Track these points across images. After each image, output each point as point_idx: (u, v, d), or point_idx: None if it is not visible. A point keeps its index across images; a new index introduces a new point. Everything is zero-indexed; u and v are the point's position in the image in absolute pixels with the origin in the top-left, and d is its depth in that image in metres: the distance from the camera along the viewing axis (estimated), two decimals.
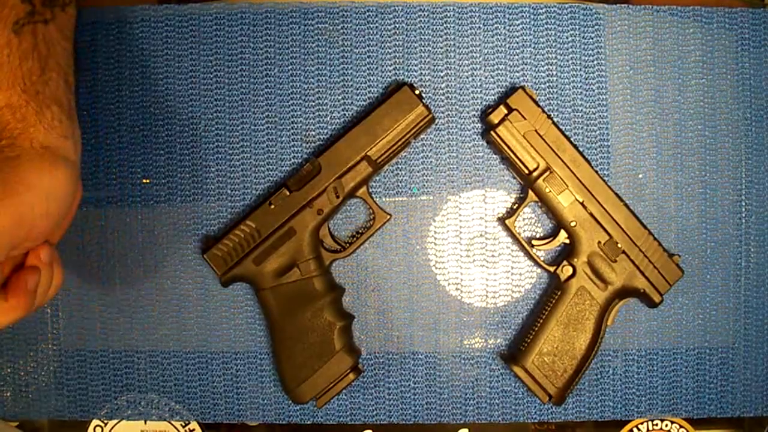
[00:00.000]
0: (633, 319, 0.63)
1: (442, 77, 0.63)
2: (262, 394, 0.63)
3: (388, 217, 0.61)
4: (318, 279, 0.59)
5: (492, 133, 0.59)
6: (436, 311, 0.63)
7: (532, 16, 0.63)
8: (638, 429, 0.64)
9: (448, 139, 0.63)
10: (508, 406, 0.63)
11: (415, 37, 0.63)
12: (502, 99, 0.60)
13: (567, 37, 0.63)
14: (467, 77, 0.63)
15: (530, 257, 0.62)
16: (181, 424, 0.64)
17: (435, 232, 0.63)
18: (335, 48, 0.63)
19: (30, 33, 0.48)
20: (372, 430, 0.64)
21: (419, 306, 0.63)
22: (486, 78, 0.63)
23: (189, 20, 0.63)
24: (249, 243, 0.58)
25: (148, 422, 0.64)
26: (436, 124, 0.63)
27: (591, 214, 0.59)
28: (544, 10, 0.63)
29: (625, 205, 0.60)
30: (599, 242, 0.59)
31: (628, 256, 0.59)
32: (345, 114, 0.63)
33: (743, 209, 0.64)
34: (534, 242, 0.62)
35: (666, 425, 0.64)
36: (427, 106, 0.59)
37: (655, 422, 0.64)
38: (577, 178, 0.59)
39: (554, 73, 0.63)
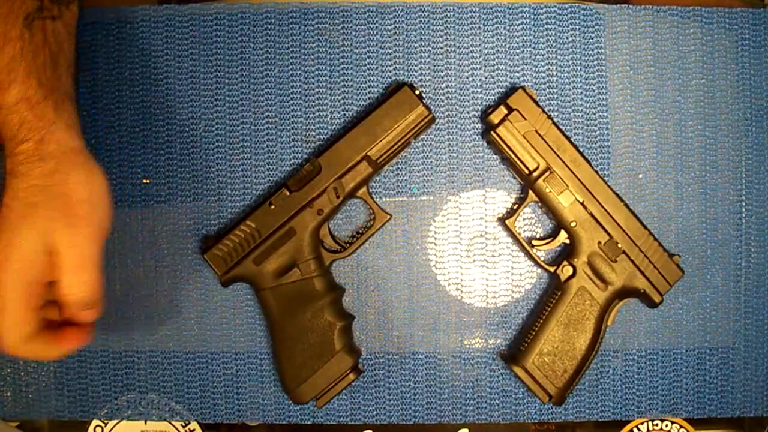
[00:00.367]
0: (633, 319, 0.63)
1: (442, 77, 0.63)
2: (263, 394, 0.63)
3: (389, 217, 0.61)
4: (318, 279, 0.59)
5: (492, 133, 0.59)
6: (437, 311, 0.63)
7: (532, 16, 0.63)
8: (638, 429, 0.64)
9: (448, 139, 0.63)
10: (508, 406, 0.63)
11: (415, 37, 0.63)
12: (502, 99, 0.60)
13: (567, 37, 0.63)
14: (467, 77, 0.63)
15: (530, 257, 0.62)
16: (181, 425, 0.64)
17: (435, 232, 0.63)
18: (335, 48, 0.63)
19: (40, 29, 0.49)
20: (372, 430, 0.64)
21: (419, 306, 0.63)
22: (486, 78, 0.63)
23: (189, 20, 0.63)
24: (249, 243, 0.58)
25: (148, 422, 0.64)
26: (436, 124, 0.63)
27: (591, 214, 0.59)
28: (544, 10, 0.63)
29: (626, 205, 0.60)
30: (599, 242, 0.59)
31: (628, 257, 0.59)
32: (345, 114, 0.63)
33: (743, 209, 0.64)
34: (534, 242, 0.62)
35: (666, 425, 0.64)
36: (427, 106, 0.58)
37: (655, 422, 0.64)
38: (578, 178, 0.59)
39: (554, 73, 0.63)
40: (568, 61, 0.63)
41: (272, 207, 0.59)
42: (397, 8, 0.63)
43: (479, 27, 0.63)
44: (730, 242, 0.64)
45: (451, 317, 0.63)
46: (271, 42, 0.63)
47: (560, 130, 0.59)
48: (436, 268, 0.63)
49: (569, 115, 0.63)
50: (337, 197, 0.59)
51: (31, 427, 0.65)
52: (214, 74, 0.63)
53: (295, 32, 0.63)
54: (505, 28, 0.63)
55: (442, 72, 0.63)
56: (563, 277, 0.60)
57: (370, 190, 0.61)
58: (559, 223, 0.60)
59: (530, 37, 0.63)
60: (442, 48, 0.63)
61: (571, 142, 0.59)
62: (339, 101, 0.63)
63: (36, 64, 0.48)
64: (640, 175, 0.63)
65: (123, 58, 0.63)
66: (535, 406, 0.64)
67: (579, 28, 0.63)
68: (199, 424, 0.64)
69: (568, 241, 0.61)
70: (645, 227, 0.60)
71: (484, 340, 0.64)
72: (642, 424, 0.64)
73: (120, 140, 0.63)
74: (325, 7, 0.63)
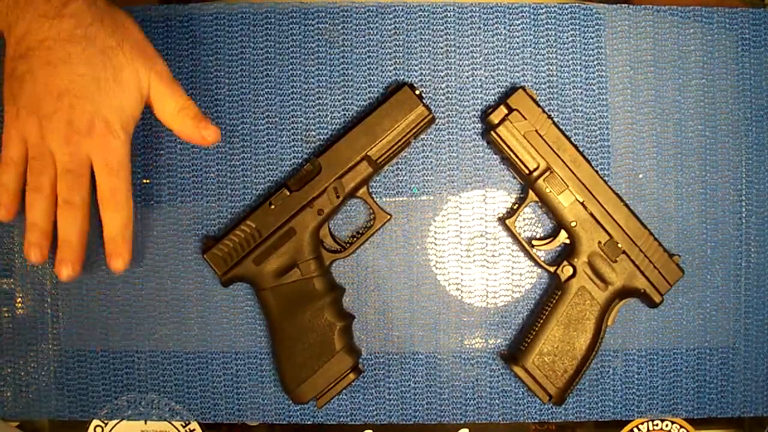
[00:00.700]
0: (633, 319, 0.63)
1: (442, 77, 0.63)
2: (263, 394, 0.63)
3: (389, 217, 0.61)
4: (318, 279, 0.59)
5: (492, 133, 0.59)
6: (437, 311, 0.63)
7: (532, 16, 0.63)
8: (638, 429, 0.64)
9: (449, 139, 0.63)
10: (509, 406, 0.64)
11: (415, 37, 0.63)
12: (503, 99, 0.60)
13: (567, 37, 0.63)
14: (467, 77, 0.63)
15: (530, 257, 0.62)
16: (182, 424, 0.64)
17: (435, 232, 0.63)
18: (335, 48, 0.63)
19: None
20: (372, 430, 0.64)
21: (419, 306, 0.63)
22: (486, 78, 0.63)
23: (189, 20, 0.63)
24: (249, 243, 0.58)
25: (148, 422, 0.64)
26: (437, 124, 0.63)
27: (591, 214, 0.59)
28: (544, 10, 0.63)
29: (626, 205, 0.60)
30: (599, 242, 0.59)
31: (628, 256, 0.59)
32: (345, 114, 0.63)
33: (743, 209, 0.64)
34: (534, 242, 0.62)
35: (666, 425, 0.64)
36: (427, 106, 0.59)
37: (655, 422, 0.64)
38: (578, 178, 0.59)
39: (554, 73, 0.63)
40: (568, 61, 0.63)
41: (272, 207, 0.59)
42: (397, 8, 0.63)
43: (479, 27, 0.63)
44: (730, 242, 0.64)
45: (451, 317, 0.63)
46: (271, 42, 0.63)
47: (560, 130, 0.59)
48: (436, 268, 0.64)
49: (569, 115, 0.63)
50: (338, 197, 0.59)
51: (31, 427, 0.65)
52: (214, 74, 0.63)
53: (295, 32, 0.63)
54: (505, 28, 0.63)
55: (442, 72, 0.63)
56: (563, 277, 0.60)
57: (370, 190, 0.61)
58: (559, 223, 0.60)
59: (530, 37, 0.63)
60: (442, 48, 0.63)
61: (571, 142, 0.59)
62: (339, 101, 0.63)
63: None
64: (640, 175, 0.63)
65: None
66: (535, 406, 0.64)
67: (579, 28, 0.63)
68: (199, 424, 0.64)
69: (568, 241, 0.61)
70: (645, 227, 0.60)
71: (484, 340, 0.64)
72: (642, 424, 0.64)
73: None
74: (325, 7, 0.63)
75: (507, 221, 0.61)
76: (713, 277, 0.64)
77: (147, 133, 0.63)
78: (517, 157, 0.59)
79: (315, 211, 0.59)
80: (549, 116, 0.59)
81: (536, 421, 0.64)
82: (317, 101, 0.63)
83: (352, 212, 0.63)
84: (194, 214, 0.63)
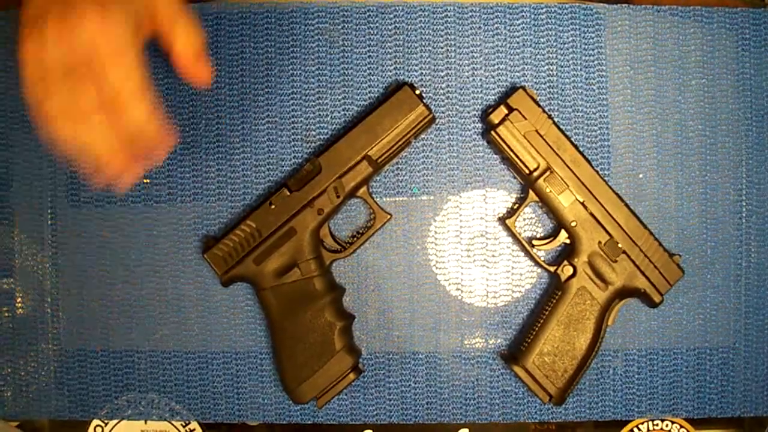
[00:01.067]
0: (633, 319, 0.63)
1: (442, 77, 0.63)
2: (263, 394, 0.63)
3: (389, 217, 0.61)
4: (318, 279, 0.59)
5: (492, 133, 0.59)
6: (437, 311, 0.63)
7: (532, 16, 0.63)
8: (638, 429, 0.64)
9: (449, 139, 0.63)
10: (509, 406, 0.63)
11: (415, 37, 0.63)
12: (503, 99, 0.60)
13: (567, 37, 0.63)
14: (467, 77, 0.63)
15: (531, 257, 0.62)
16: (182, 424, 0.64)
17: (435, 232, 0.63)
18: (335, 48, 0.63)
19: None
20: (372, 430, 0.64)
21: (419, 306, 0.63)
22: (486, 78, 0.63)
23: None
24: (249, 243, 0.58)
25: (148, 422, 0.64)
26: (437, 124, 0.63)
27: (591, 214, 0.59)
28: (544, 10, 0.63)
29: (626, 205, 0.60)
30: (600, 242, 0.59)
31: (628, 256, 0.59)
32: (345, 114, 0.63)
33: (743, 209, 0.64)
34: (534, 242, 0.62)
35: (666, 425, 0.64)
36: (427, 106, 0.59)
37: (655, 422, 0.64)
38: (578, 178, 0.59)
39: (554, 73, 0.63)
40: (568, 61, 0.63)
41: (272, 207, 0.59)
42: (397, 8, 0.63)
43: (479, 27, 0.63)
44: (730, 242, 0.64)
45: (451, 317, 0.63)
46: (271, 42, 0.63)
47: (560, 129, 0.59)
48: (436, 268, 0.63)
49: (569, 115, 0.63)
50: (338, 197, 0.59)
51: (31, 427, 0.65)
52: (214, 74, 0.63)
53: (295, 32, 0.63)
54: (505, 28, 0.63)
55: (442, 72, 0.63)
56: (563, 277, 0.60)
57: (371, 190, 0.61)
58: (559, 223, 0.60)
59: (530, 37, 0.63)
60: (442, 48, 0.63)
61: (571, 142, 0.59)
62: (339, 101, 0.63)
63: None
64: (641, 175, 0.63)
65: None
66: (536, 406, 0.64)
67: (579, 28, 0.63)
68: (199, 424, 0.64)
69: (568, 241, 0.61)
70: (645, 227, 0.60)
71: (484, 340, 0.64)
72: (642, 424, 0.64)
73: None
74: (325, 7, 0.63)
75: (507, 221, 0.61)
76: (713, 277, 0.64)
77: None
78: (518, 157, 0.59)
79: (315, 211, 0.59)
80: (549, 116, 0.59)
81: (536, 421, 0.64)
82: (317, 101, 0.63)
83: (352, 212, 0.63)
84: (194, 214, 0.63)
